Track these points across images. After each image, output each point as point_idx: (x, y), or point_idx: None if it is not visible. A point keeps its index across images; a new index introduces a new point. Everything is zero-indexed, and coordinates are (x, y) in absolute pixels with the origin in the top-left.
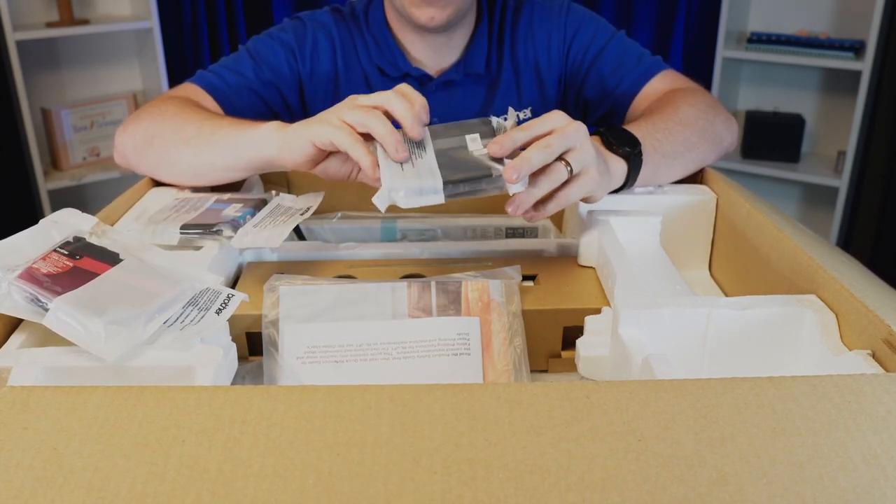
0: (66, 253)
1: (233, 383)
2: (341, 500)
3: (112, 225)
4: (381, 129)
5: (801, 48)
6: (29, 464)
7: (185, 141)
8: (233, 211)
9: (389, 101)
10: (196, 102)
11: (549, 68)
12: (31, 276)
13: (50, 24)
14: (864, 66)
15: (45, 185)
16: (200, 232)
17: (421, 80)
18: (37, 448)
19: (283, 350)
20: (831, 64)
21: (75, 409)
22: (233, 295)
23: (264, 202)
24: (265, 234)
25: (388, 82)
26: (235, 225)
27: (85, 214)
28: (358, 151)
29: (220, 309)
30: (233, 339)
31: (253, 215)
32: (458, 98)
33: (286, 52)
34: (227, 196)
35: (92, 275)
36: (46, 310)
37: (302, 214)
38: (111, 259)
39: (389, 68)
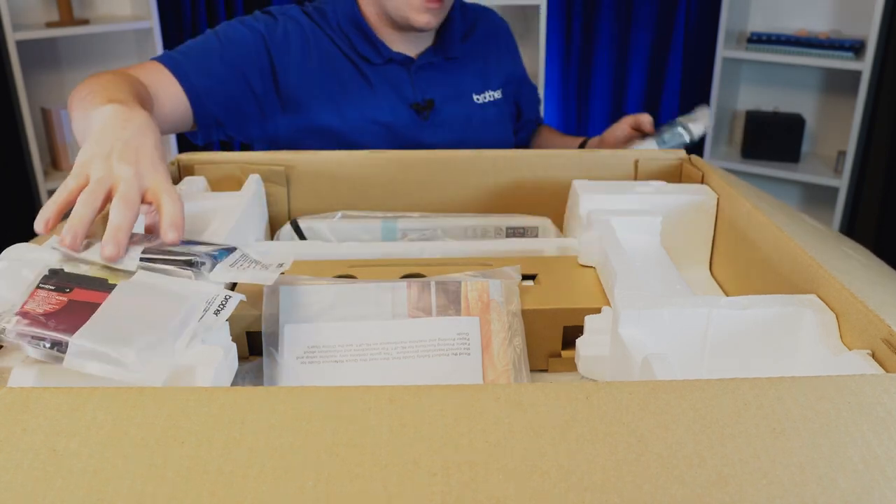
0: (53, 288)
1: (233, 383)
2: (341, 501)
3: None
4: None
5: (801, 48)
6: (28, 465)
7: (74, 102)
8: (205, 248)
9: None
10: (136, 78)
11: (503, 67)
12: (31, 319)
13: (50, 24)
14: (864, 66)
15: (45, 185)
16: (165, 259)
17: (404, 63)
18: (36, 449)
19: (283, 350)
20: (831, 64)
21: (74, 411)
22: (230, 296)
23: (233, 249)
24: (255, 273)
25: (375, 67)
26: (213, 262)
27: (39, 246)
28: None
29: (218, 309)
30: (233, 339)
31: (226, 256)
32: (438, 78)
33: (256, 39)
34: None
35: (92, 305)
36: (63, 352)
37: (279, 266)
38: (100, 286)
39: (373, 56)
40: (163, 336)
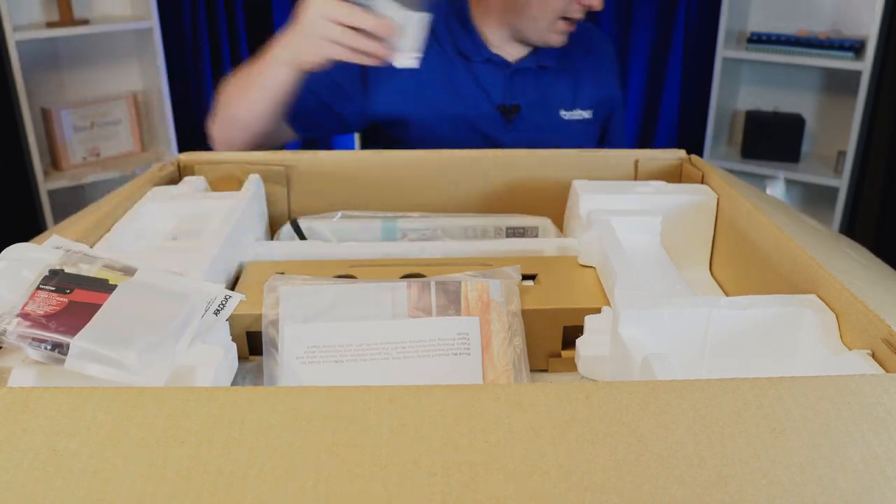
0: (53, 289)
1: (233, 383)
2: (341, 501)
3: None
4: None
5: (801, 48)
6: (28, 465)
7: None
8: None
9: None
10: None
11: (600, 90)
12: (32, 321)
13: (50, 24)
14: (864, 66)
15: (45, 185)
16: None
17: (501, 66)
18: (36, 449)
19: (283, 350)
20: (831, 64)
21: (74, 411)
22: (230, 296)
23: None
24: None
25: (472, 65)
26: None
27: (40, 246)
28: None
29: (218, 309)
30: (233, 339)
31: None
32: (530, 84)
33: None
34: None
35: (92, 306)
36: (64, 354)
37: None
38: (101, 286)
39: (473, 54)
40: (164, 337)
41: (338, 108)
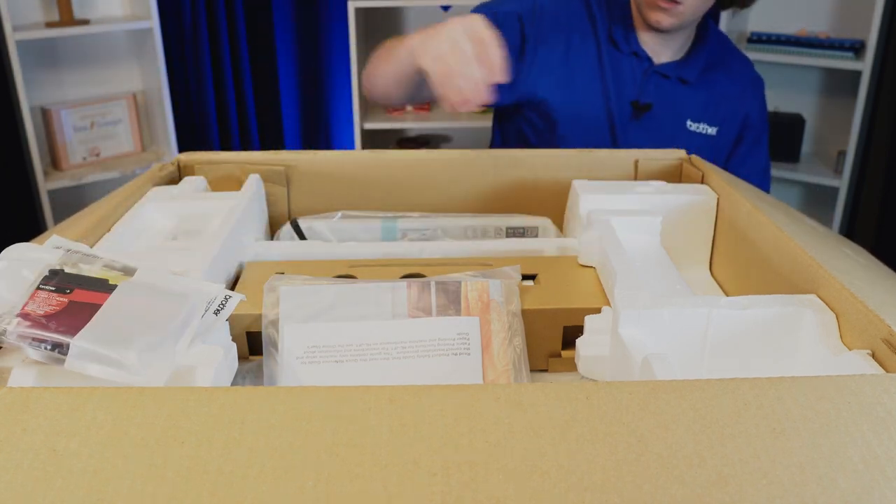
0: (53, 289)
1: (233, 383)
2: (341, 501)
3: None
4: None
5: (801, 48)
6: (28, 465)
7: (384, 57)
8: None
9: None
10: None
11: (731, 114)
12: (32, 321)
13: (50, 24)
14: (864, 66)
15: (45, 185)
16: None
17: (643, 62)
18: (36, 449)
19: (283, 350)
20: (831, 64)
21: (74, 411)
22: (230, 296)
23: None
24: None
25: (618, 55)
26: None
27: (40, 246)
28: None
29: (218, 309)
30: (233, 339)
31: None
32: (665, 91)
33: (513, 18)
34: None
35: (93, 306)
36: (64, 354)
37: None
38: (101, 286)
39: (623, 44)
40: (164, 337)
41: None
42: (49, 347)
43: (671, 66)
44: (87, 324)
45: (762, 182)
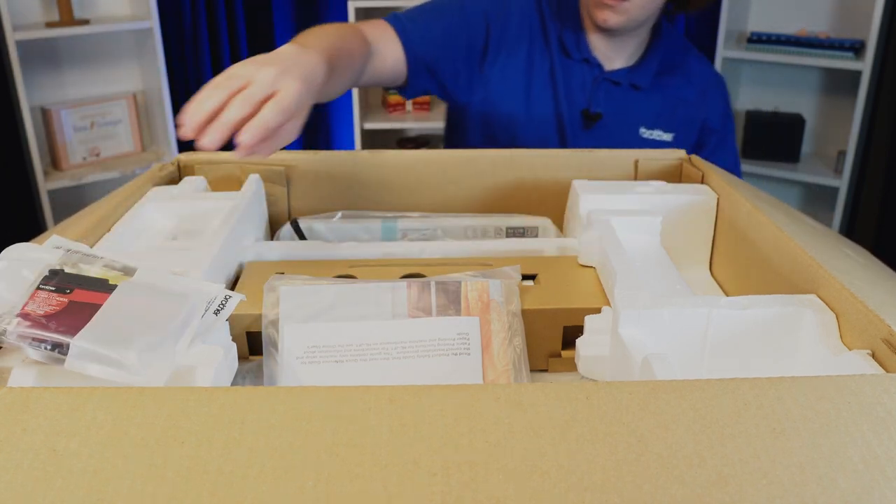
0: (53, 289)
1: (233, 383)
2: (341, 501)
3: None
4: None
5: (801, 48)
6: (28, 465)
7: None
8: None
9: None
10: (356, 32)
11: (689, 120)
12: (32, 321)
13: (50, 24)
14: (864, 66)
15: (45, 185)
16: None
17: (594, 69)
18: (36, 449)
19: (283, 350)
20: (831, 64)
21: (74, 411)
22: (230, 296)
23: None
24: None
25: (569, 62)
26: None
27: (40, 246)
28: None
29: (218, 309)
30: (233, 339)
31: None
32: (616, 99)
33: (478, 17)
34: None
35: (93, 306)
36: (64, 354)
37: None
38: (101, 286)
39: (574, 50)
40: (164, 337)
41: (449, 86)
42: (49, 347)
43: (622, 72)
44: (87, 324)
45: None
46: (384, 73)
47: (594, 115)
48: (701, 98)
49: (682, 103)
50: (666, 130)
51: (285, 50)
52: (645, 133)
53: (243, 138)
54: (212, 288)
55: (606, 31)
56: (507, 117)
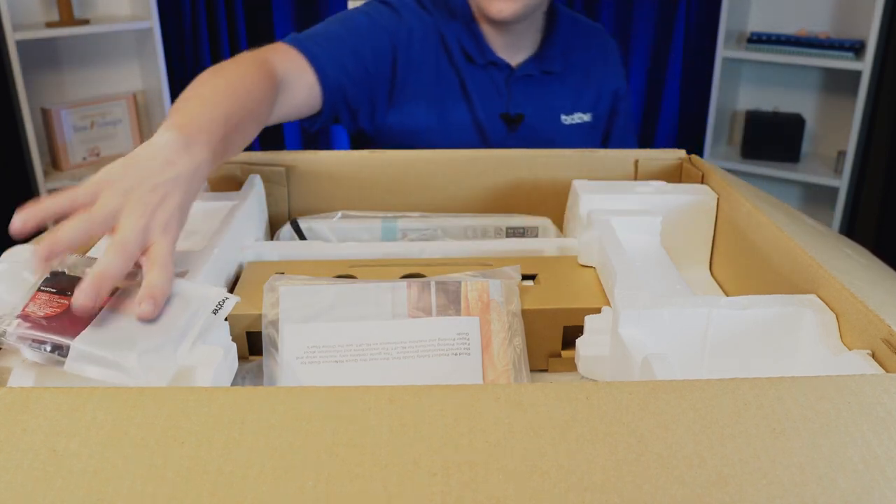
0: (54, 290)
1: (233, 383)
2: (341, 501)
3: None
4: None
5: (801, 48)
6: (28, 465)
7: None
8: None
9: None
10: (260, 62)
11: (603, 94)
12: (32, 322)
13: (50, 24)
14: (864, 66)
15: (45, 185)
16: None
17: (504, 71)
18: (36, 449)
19: (283, 350)
20: (831, 64)
21: (74, 411)
22: (227, 297)
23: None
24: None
25: (475, 69)
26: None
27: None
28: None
29: (216, 309)
30: (233, 339)
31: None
32: (533, 94)
33: (381, 35)
34: None
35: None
36: (64, 356)
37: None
38: None
39: (477, 55)
40: (165, 340)
41: (362, 112)
42: (49, 349)
43: (530, 64)
44: (88, 326)
45: (634, 134)
46: (295, 106)
47: (516, 118)
48: (605, 67)
49: (594, 80)
50: (584, 111)
51: (159, 156)
52: (566, 120)
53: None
54: (212, 291)
55: (503, 25)
56: (425, 135)
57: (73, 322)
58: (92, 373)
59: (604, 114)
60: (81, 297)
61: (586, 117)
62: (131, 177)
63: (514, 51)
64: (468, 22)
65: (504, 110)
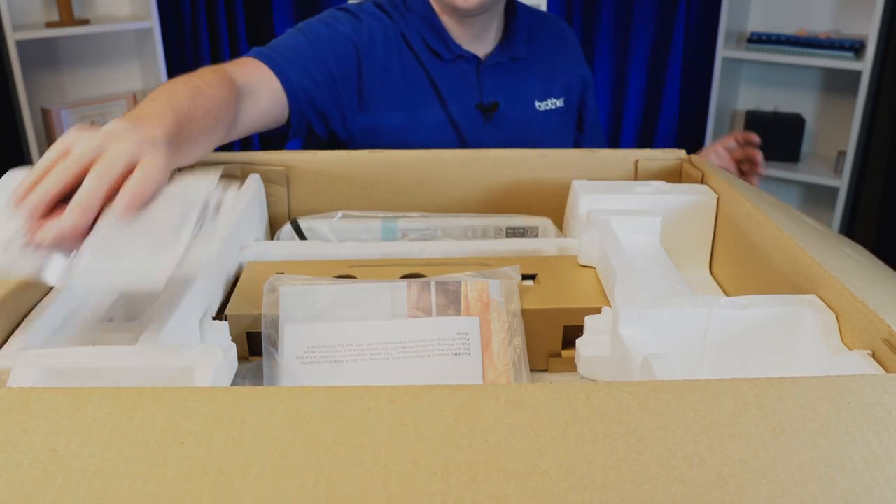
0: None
1: (233, 383)
2: (341, 501)
3: None
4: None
5: (801, 48)
6: (28, 465)
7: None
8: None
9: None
10: (220, 74)
11: (570, 79)
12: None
13: (50, 24)
14: (864, 66)
15: None
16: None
17: (472, 62)
18: (36, 449)
19: (283, 350)
20: (831, 64)
21: (74, 411)
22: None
23: None
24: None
25: (444, 64)
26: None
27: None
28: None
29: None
30: (233, 339)
31: None
32: (504, 80)
33: (344, 41)
34: None
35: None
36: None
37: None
38: None
39: (444, 51)
40: (164, 241)
41: (333, 118)
42: (60, 262)
43: (496, 52)
44: (87, 238)
45: (601, 132)
46: (261, 115)
47: (491, 106)
48: (566, 53)
49: (559, 65)
50: (557, 97)
51: (116, 125)
52: (540, 106)
53: (122, 212)
54: (204, 181)
55: (467, 16)
56: (398, 135)
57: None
58: (101, 279)
59: (575, 100)
60: (71, 218)
61: (559, 103)
62: (98, 135)
63: (479, 42)
64: (430, 19)
65: (478, 100)
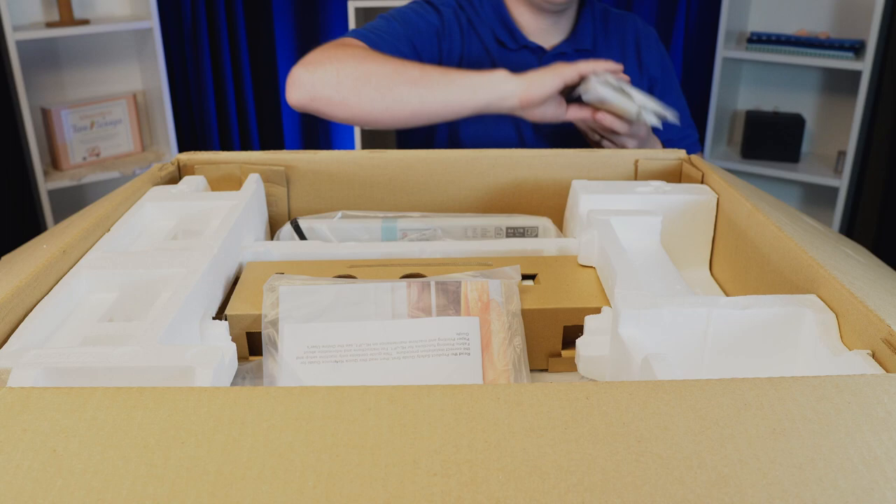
0: None
1: (232, 383)
2: (341, 501)
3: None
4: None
5: (801, 48)
6: (28, 465)
7: (413, 81)
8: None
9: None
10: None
11: (636, 76)
12: None
13: (50, 24)
14: (864, 66)
15: (45, 185)
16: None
17: (537, 53)
18: (36, 450)
19: (283, 350)
20: (831, 64)
21: (74, 411)
22: None
23: None
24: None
25: (508, 54)
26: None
27: None
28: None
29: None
30: (233, 339)
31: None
32: None
33: (430, 30)
34: None
35: None
36: None
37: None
38: None
39: (509, 41)
40: None
41: None
42: None
43: (564, 45)
44: None
45: (688, 128)
46: None
47: None
48: (637, 51)
49: (627, 61)
50: None
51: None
52: None
53: None
54: None
55: (552, 11)
56: (459, 127)
57: None
58: None
59: (644, 86)
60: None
61: None
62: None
63: (547, 35)
64: (499, 11)
65: None
